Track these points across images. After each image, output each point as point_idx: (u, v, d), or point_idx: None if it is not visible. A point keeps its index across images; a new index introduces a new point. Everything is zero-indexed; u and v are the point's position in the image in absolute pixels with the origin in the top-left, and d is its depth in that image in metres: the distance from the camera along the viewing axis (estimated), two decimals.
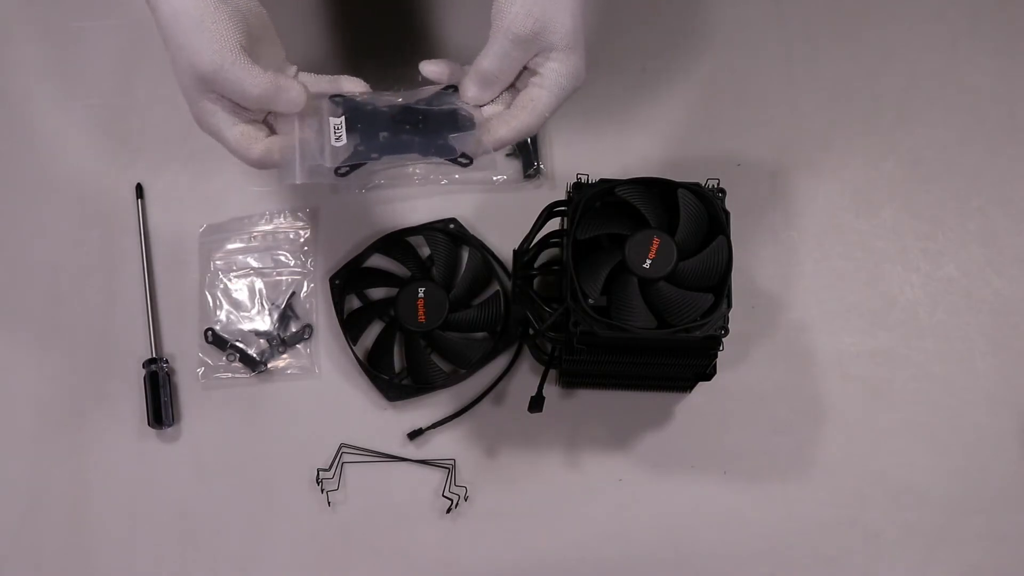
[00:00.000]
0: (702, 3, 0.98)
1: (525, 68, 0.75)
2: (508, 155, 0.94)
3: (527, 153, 0.93)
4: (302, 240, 0.93)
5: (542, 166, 0.93)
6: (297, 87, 0.71)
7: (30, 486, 0.89)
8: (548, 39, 0.72)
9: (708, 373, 0.83)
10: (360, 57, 0.96)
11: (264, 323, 0.92)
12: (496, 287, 0.92)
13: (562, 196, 0.81)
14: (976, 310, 0.91)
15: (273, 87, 0.70)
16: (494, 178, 0.93)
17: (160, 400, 0.88)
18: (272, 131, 0.73)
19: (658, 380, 0.88)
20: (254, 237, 0.93)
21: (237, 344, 0.91)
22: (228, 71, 0.68)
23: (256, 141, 0.71)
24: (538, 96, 0.73)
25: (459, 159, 0.73)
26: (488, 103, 0.75)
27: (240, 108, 0.71)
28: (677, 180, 0.79)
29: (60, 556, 0.88)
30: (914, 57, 0.97)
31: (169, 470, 0.89)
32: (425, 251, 0.92)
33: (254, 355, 0.91)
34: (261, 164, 0.72)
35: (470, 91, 0.74)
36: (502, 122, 0.74)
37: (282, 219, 0.94)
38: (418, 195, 0.94)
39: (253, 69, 0.69)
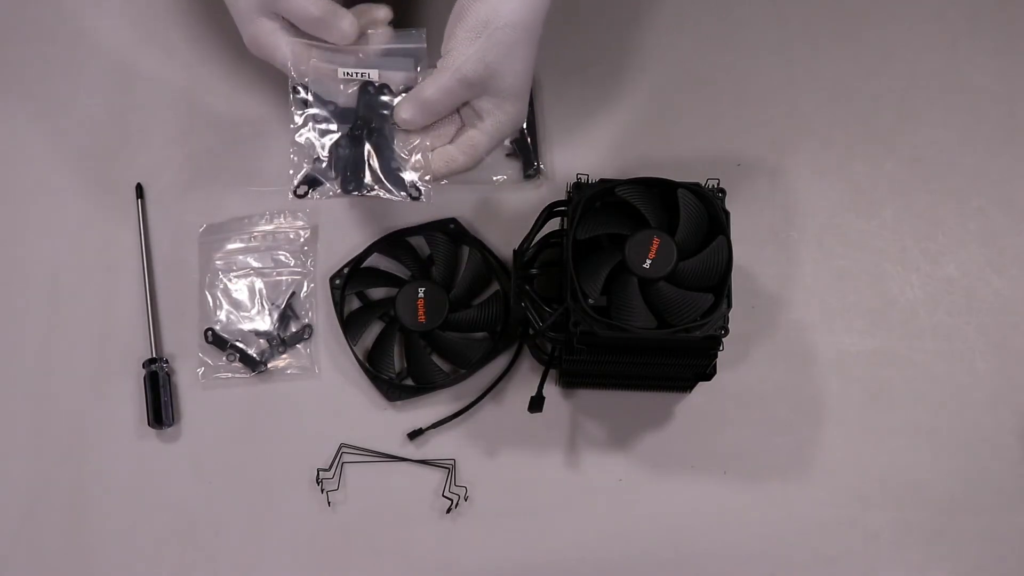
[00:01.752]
0: (702, 3, 0.98)
1: (467, 104, 0.77)
2: (508, 155, 0.94)
3: (527, 153, 0.93)
4: (302, 240, 0.93)
5: (542, 166, 0.93)
6: (351, 18, 0.76)
7: (30, 486, 0.89)
8: (496, 86, 0.75)
9: (708, 373, 0.83)
10: None
11: (264, 323, 0.92)
12: (496, 287, 0.92)
13: (562, 196, 0.81)
14: (976, 310, 0.91)
15: (332, 12, 0.75)
16: (494, 178, 0.93)
17: (160, 400, 0.88)
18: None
19: (658, 380, 0.88)
20: (254, 237, 0.93)
21: (237, 344, 0.91)
22: None
23: (309, 58, 0.77)
24: (479, 140, 0.78)
25: (410, 192, 0.79)
26: (419, 129, 0.78)
27: (293, 27, 0.76)
28: (677, 180, 0.79)
29: (60, 556, 0.88)
30: (914, 57, 0.97)
31: (169, 470, 0.89)
32: (425, 251, 0.92)
33: (254, 355, 0.91)
34: (312, 76, 0.78)
35: (406, 113, 0.77)
36: (440, 158, 0.78)
37: (282, 219, 0.94)
38: None
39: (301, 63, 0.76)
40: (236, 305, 0.92)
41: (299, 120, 0.81)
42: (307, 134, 0.81)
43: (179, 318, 0.92)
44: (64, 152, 0.95)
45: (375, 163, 0.80)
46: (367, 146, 0.80)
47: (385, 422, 0.90)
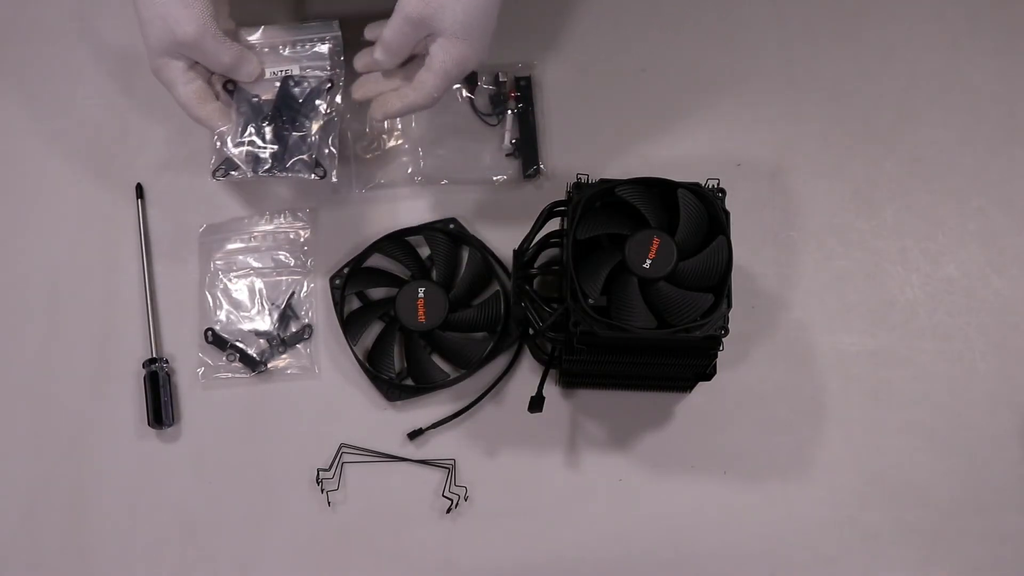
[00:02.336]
0: (702, 3, 0.98)
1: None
2: (508, 155, 0.94)
3: (528, 152, 0.93)
4: (302, 240, 0.93)
5: (542, 166, 0.93)
6: (256, 60, 0.84)
7: (30, 486, 0.89)
8: (437, 25, 0.78)
9: (708, 373, 0.83)
10: None
11: (264, 323, 0.92)
12: (496, 287, 0.92)
13: (562, 196, 0.81)
14: (976, 310, 0.91)
15: (240, 58, 0.82)
16: (494, 178, 0.93)
17: (160, 400, 0.88)
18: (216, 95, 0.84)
19: (658, 380, 0.88)
20: (254, 237, 0.93)
21: (237, 344, 0.91)
22: (207, 42, 0.79)
23: (206, 101, 0.83)
24: (425, 78, 0.81)
25: (315, 172, 0.85)
26: (381, 71, 0.84)
27: (198, 67, 0.82)
28: (677, 180, 0.79)
29: (60, 556, 0.88)
30: (914, 57, 0.97)
31: (169, 470, 0.89)
32: (425, 251, 0.92)
33: (254, 355, 0.91)
34: (204, 122, 0.83)
35: (365, 58, 0.84)
36: (395, 96, 0.82)
37: (282, 219, 0.94)
38: (418, 195, 0.94)
39: (226, 41, 0.81)
40: (236, 305, 0.92)
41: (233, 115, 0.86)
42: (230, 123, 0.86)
43: (179, 318, 0.92)
44: (64, 152, 0.95)
45: (289, 146, 0.85)
46: (280, 132, 0.85)
47: (385, 422, 0.90)
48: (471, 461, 0.89)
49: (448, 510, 0.88)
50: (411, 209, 0.93)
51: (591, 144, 0.95)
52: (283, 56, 0.87)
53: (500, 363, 0.91)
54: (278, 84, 0.86)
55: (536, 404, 0.83)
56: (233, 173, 0.85)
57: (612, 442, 0.90)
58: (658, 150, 0.94)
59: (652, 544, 0.88)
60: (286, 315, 0.92)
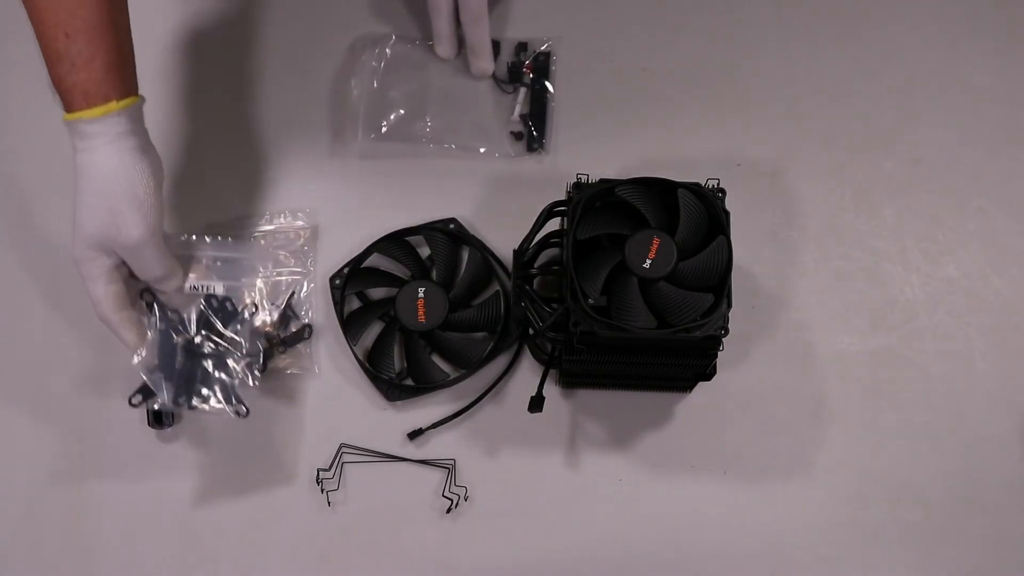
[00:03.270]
0: (702, 3, 0.98)
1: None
2: (513, 131, 0.95)
3: (536, 125, 0.94)
4: (302, 240, 0.93)
5: (546, 142, 0.94)
6: (181, 277, 0.84)
7: (30, 486, 0.89)
8: None
9: (708, 373, 0.83)
10: None
11: (264, 323, 0.91)
12: (496, 287, 0.92)
13: (562, 188, 0.81)
14: (976, 310, 0.91)
15: (171, 272, 0.82)
16: (496, 155, 0.94)
17: None
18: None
19: (658, 380, 0.88)
20: (254, 237, 0.93)
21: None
22: (148, 250, 0.78)
23: (122, 308, 0.80)
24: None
25: (237, 408, 0.83)
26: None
27: (122, 268, 0.80)
28: (677, 180, 0.79)
29: (60, 556, 0.88)
30: (914, 57, 0.97)
31: (169, 470, 0.89)
32: (425, 251, 0.92)
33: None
34: (114, 327, 0.81)
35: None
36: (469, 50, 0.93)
37: (282, 219, 0.94)
38: (418, 195, 0.94)
39: (166, 253, 0.80)
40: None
41: (148, 332, 0.83)
42: (148, 341, 0.83)
43: None
44: (64, 152, 0.95)
45: (209, 375, 0.84)
46: (199, 359, 0.84)
47: (385, 422, 0.90)
48: (471, 461, 0.89)
49: (448, 510, 0.88)
50: (411, 209, 0.93)
51: (591, 144, 0.95)
52: (206, 269, 0.87)
53: (500, 363, 0.91)
54: (201, 304, 0.85)
55: (536, 404, 0.83)
56: (149, 404, 0.84)
57: (612, 442, 0.90)
58: (658, 150, 0.94)
59: (652, 544, 0.88)
60: (286, 315, 0.92)
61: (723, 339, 0.77)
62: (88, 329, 0.92)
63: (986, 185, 0.94)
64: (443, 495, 0.88)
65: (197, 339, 0.84)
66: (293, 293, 0.92)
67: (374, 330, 0.91)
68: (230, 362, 0.84)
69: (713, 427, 0.89)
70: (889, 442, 0.89)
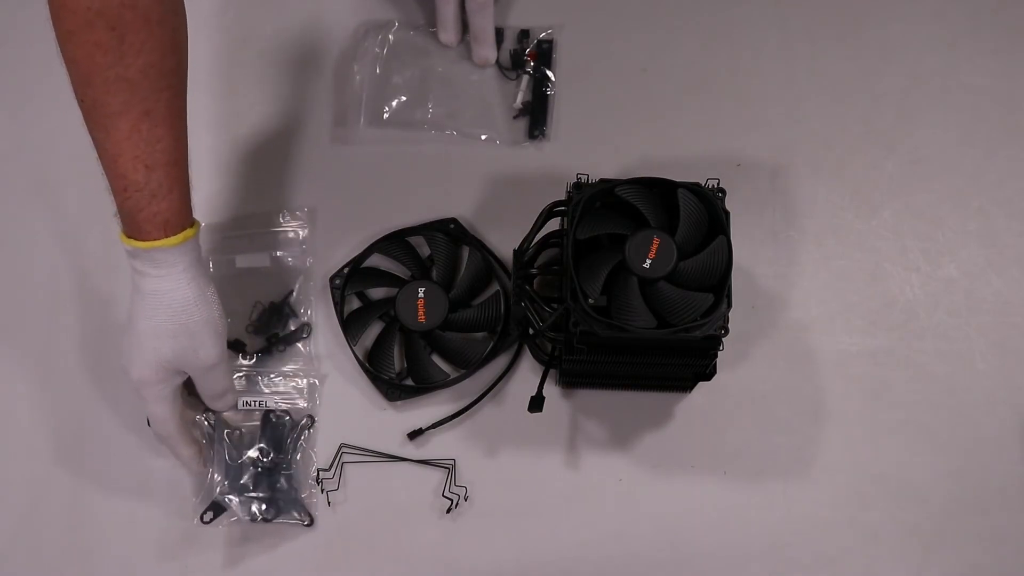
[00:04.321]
0: (702, 3, 0.98)
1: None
2: (515, 117, 0.95)
3: (536, 114, 0.94)
4: (302, 240, 0.93)
5: (546, 129, 0.94)
6: (236, 394, 0.86)
7: (30, 486, 0.89)
8: None
9: (708, 373, 0.83)
10: None
11: (264, 323, 0.91)
12: (496, 287, 0.92)
13: (562, 184, 0.81)
14: (976, 310, 0.91)
15: (231, 388, 0.84)
16: (497, 141, 0.95)
17: None
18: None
19: (658, 380, 0.88)
20: (254, 237, 0.93)
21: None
22: (219, 369, 0.81)
23: (182, 425, 0.83)
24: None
25: (301, 520, 0.87)
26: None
27: (181, 389, 0.82)
28: (677, 180, 0.79)
29: (60, 556, 0.88)
30: (914, 57, 0.97)
31: (169, 470, 0.89)
32: (425, 251, 0.92)
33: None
34: (170, 442, 0.83)
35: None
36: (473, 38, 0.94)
37: (282, 219, 0.94)
38: (418, 195, 0.94)
39: (230, 371, 0.85)
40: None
41: (210, 452, 0.87)
42: (216, 460, 0.87)
43: None
44: (64, 152, 0.95)
45: (276, 490, 0.87)
46: (265, 475, 0.87)
47: (385, 422, 0.90)
48: (471, 461, 0.89)
49: (448, 510, 0.88)
50: (411, 209, 0.93)
51: (591, 144, 0.95)
52: (260, 387, 0.89)
53: (500, 363, 0.91)
54: (258, 419, 0.87)
55: (536, 404, 0.83)
56: (222, 520, 0.86)
57: (612, 442, 0.90)
58: (658, 150, 0.94)
59: (652, 544, 0.88)
60: (286, 315, 0.92)
61: (723, 339, 0.77)
62: (88, 328, 0.92)
63: (986, 185, 0.94)
64: (443, 495, 0.88)
65: (254, 453, 0.87)
66: (293, 292, 0.92)
67: (374, 330, 0.91)
68: (291, 474, 0.87)
69: (713, 427, 0.89)
70: (889, 442, 0.89)
